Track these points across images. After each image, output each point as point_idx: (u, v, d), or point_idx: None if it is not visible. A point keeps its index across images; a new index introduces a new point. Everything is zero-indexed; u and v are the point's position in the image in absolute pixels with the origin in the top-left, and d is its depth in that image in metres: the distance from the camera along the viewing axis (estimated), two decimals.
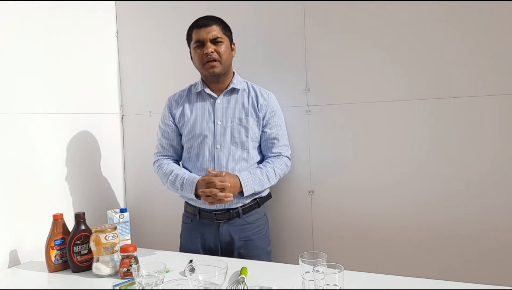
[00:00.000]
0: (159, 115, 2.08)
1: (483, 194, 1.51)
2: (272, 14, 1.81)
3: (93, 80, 2.01)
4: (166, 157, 1.70)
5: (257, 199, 1.64)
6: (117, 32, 2.18)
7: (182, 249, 1.69)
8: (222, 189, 1.46)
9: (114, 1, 2.17)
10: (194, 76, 1.80)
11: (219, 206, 1.58)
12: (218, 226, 1.60)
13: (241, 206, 1.60)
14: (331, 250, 1.65)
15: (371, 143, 1.67)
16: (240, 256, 1.58)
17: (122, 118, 2.21)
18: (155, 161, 1.71)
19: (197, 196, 1.53)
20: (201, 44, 1.56)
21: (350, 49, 1.69)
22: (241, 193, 1.54)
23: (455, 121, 1.54)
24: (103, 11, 2.11)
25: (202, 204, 1.59)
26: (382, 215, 1.67)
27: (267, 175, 1.59)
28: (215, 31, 1.56)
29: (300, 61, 1.78)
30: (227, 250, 1.61)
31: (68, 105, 1.87)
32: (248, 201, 1.61)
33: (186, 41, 1.66)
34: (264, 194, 1.68)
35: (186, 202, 1.70)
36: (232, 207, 1.58)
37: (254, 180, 1.56)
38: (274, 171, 1.61)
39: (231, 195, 1.47)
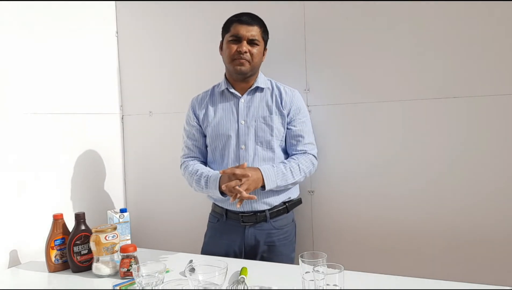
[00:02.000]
0: (159, 115, 2.10)
1: (484, 194, 1.51)
2: (272, 14, 1.81)
3: (93, 80, 2.01)
4: (192, 159, 1.67)
5: (286, 204, 1.60)
6: (117, 32, 2.18)
7: (205, 248, 1.67)
8: (243, 176, 1.38)
9: (114, 1, 2.17)
10: (195, 75, 1.80)
11: (246, 209, 1.54)
12: (244, 228, 1.57)
13: (268, 209, 1.56)
14: (331, 250, 1.65)
15: (371, 143, 1.67)
16: (263, 260, 1.55)
17: (122, 118, 2.21)
18: (181, 164, 1.68)
19: (223, 194, 1.49)
20: (237, 39, 1.52)
21: (350, 49, 1.69)
22: (263, 187, 1.47)
23: (456, 121, 1.53)
24: (103, 11, 2.11)
25: (229, 206, 1.57)
26: (382, 215, 1.67)
27: (291, 169, 1.52)
28: (255, 31, 1.53)
29: (300, 61, 1.78)
30: (251, 253, 1.58)
31: (68, 105, 1.87)
32: (277, 203, 1.57)
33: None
34: (293, 196, 1.64)
35: (214, 203, 1.68)
36: (259, 209, 1.55)
37: (277, 173, 1.49)
38: (299, 167, 1.54)
39: (254, 196, 1.40)
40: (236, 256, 1.58)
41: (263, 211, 1.56)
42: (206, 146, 1.67)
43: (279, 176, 1.50)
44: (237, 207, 1.44)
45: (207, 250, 1.65)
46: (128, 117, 2.20)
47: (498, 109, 1.47)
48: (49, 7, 1.78)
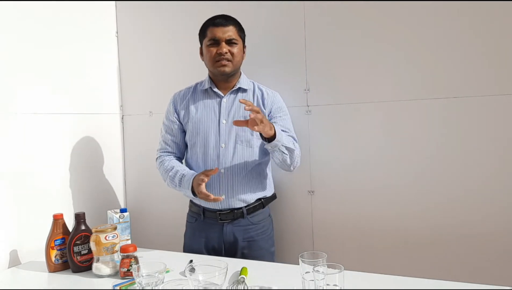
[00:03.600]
0: (159, 115, 2.09)
1: (483, 194, 1.51)
2: (272, 14, 1.81)
3: (93, 80, 2.01)
4: (169, 154, 1.69)
5: (262, 200, 1.63)
6: (117, 32, 2.18)
7: (186, 248, 1.68)
8: (261, 121, 1.35)
9: (114, 1, 2.17)
10: (194, 75, 1.80)
11: (224, 206, 1.57)
12: (222, 226, 1.59)
13: (245, 206, 1.59)
14: (331, 250, 1.64)
15: (371, 143, 1.67)
16: (244, 256, 1.57)
17: (122, 118, 2.21)
18: (157, 157, 1.71)
19: (194, 193, 1.52)
20: (215, 42, 1.55)
21: (350, 49, 1.69)
22: (269, 139, 1.45)
23: (456, 121, 1.54)
24: (103, 11, 2.11)
25: (207, 204, 1.58)
26: (382, 215, 1.67)
27: (290, 137, 1.56)
28: (231, 31, 1.56)
29: (300, 61, 1.78)
30: (231, 250, 1.60)
31: (68, 105, 1.87)
32: (252, 201, 1.60)
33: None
34: (268, 194, 1.67)
35: (191, 201, 1.69)
36: (236, 207, 1.58)
37: (282, 133, 1.50)
38: (294, 141, 1.58)
39: (222, 198, 1.47)
40: (216, 253, 1.60)
41: (240, 208, 1.59)
42: (185, 143, 1.69)
43: (284, 136, 1.51)
44: (212, 205, 1.50)
45: (188, 249, 1.66)
46: (128, 117, 2.20)
47: (498, 109, 1.47)
48: (49, 7, 1.78)
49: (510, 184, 1.47)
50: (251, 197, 1.60)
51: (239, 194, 1.57)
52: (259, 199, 1.63)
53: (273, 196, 1.71)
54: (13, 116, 1.62)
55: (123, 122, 2.21)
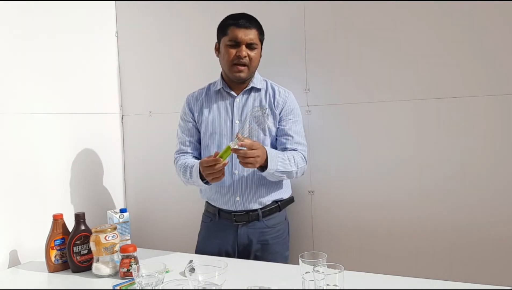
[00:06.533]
0: (159, 115, 2.10)
1: (483, 195, 1.51)
2: (272, 14, 1.81)
3: (93, 80, 2.01)
4: (185, 154, 1.66)
5: (279, 202, 1.61)
6: (117, 32, 2.18)
7: (198, 248, 1.67)
8: (254, 158, 1.35)
9: (114, 1, 2.17)
10: (194, 75, 1.81)
11: (238, 208, 1.55)
12: (237, 228, 1.58)
13: (260, 208, 1.57)
14: (331, 250, 1.65)
15: (371, 143, 1.67)
16: (257, 259, 1.56)
17: (122, 118, 2.21)
18: (174, 160, 1.67)
19: (202, 178, 1.47)
20: (236, 44, 1.52)
21: (350, 49, 1.69)
22: (263, 168, 1.44)
23: (456, 121, 1.54)
24: (103, 11, 2.11)
25: (222, 205, 1.57)
26: (382, 215, 1.67)
27: (288, 158, 1.50)
28: (253, 35, 1.52)
29: (300, 61, 1.77)
30: (244, 252, 1.59)
31: (68, 105, 1.87)
32: (268, 202, 1.58)
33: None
34: (285, 196, 1.64)
35: (207, 202, 1.68)
36: (251, 208, 1.56)
37: (278, 157, 1.46)
38: (294, 158, 1.52)
39: (226, 162, 1.38)
40: (229, 255, 1.58)
41: (255, 210, 1.57)
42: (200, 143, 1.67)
43: (279, 160, 1.47)
44: (227, 207, 1.43)
45: (200, 250, 1.65)
46: (128, 117, 2.20)
47: (498, 109, 1.47)
48: (49, 7, 1.78)
49: (508, 182, 1.47)
50: (266, 199, 1.58)
51: (254, 195, 1.55)
52: (276, 201, 1.60)
53: (291, 199, 1.68)
54: (12, 116, 1.61)
55: (123, 122, 2.21)
